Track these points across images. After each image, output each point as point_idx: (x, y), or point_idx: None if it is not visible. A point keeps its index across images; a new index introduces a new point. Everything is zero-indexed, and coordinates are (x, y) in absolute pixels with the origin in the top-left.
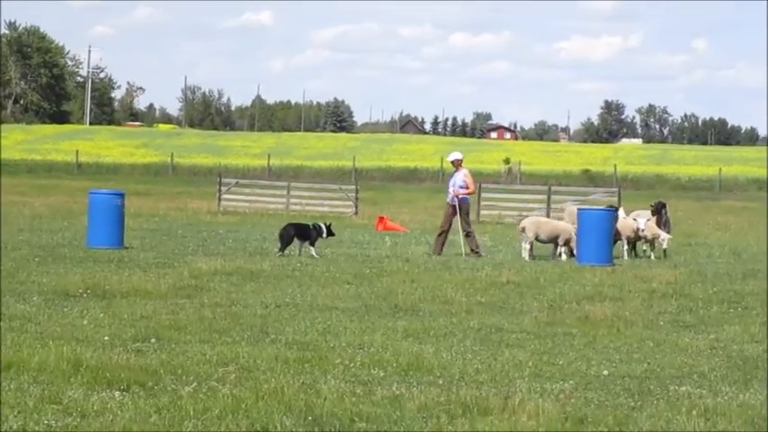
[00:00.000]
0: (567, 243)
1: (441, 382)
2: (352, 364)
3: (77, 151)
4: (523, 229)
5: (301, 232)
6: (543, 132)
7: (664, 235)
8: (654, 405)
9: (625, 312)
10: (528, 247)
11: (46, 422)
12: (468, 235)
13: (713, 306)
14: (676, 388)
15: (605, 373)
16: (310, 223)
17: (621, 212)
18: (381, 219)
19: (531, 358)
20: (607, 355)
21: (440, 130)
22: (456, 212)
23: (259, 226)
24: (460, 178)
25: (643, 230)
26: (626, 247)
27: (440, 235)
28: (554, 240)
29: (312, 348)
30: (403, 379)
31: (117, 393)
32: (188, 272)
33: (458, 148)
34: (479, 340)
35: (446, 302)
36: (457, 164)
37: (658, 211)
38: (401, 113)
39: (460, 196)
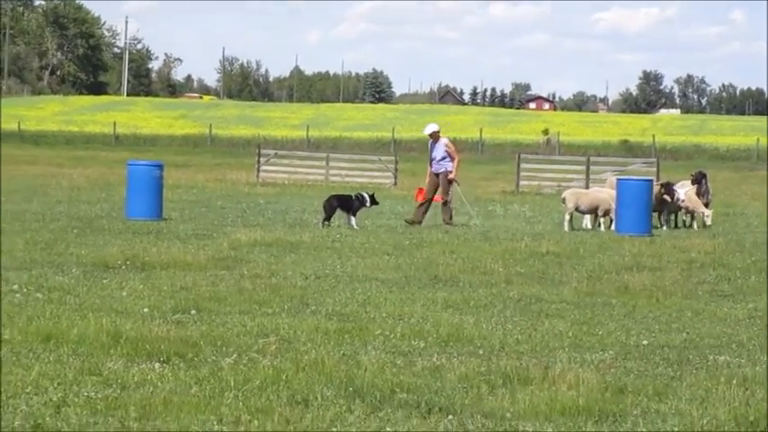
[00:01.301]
0: (606, 214)
1: (481, 352)
2: (392, 335)
3: (115, 123)
4: (564, 200)
5: (344, 203)
6: (582, 103)
7: (707, 211)
8: (693, 375)
9: (664, 282)
10: (568, 217)
11: (86, 394)
12: (444, 203)
13: (751, 276)
14: (715, 357)
15: (644, 342)
16: (353, 194)
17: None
18: (421, 190)
19: (570, 328)
20: (646, 325)
21: (479, 100)
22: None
23: (298, 197)
24: (441, 149)
25: (683, 201)
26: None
27: (421, 205)
28: (594, 211)
29: (352, 319)
30: (443, 349)
31: (157, 365)
32: (227, 243)
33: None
34: (519, 311)
35: (485, 273)
36: (435, 136)
37: (698, 180)
38: (440, 84)
39: (448, 170)
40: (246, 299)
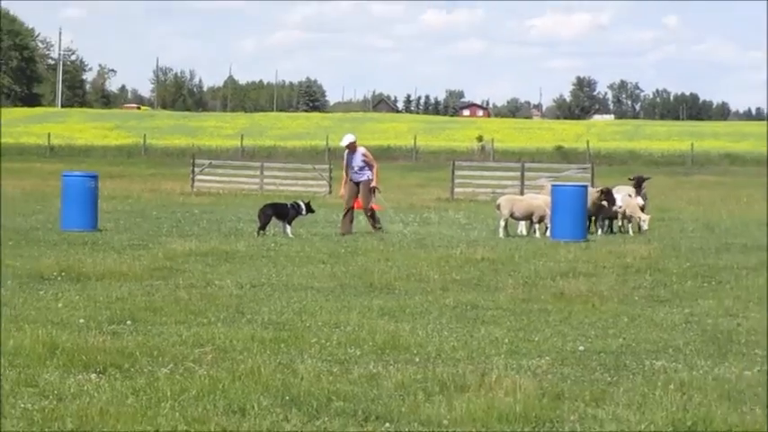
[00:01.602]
0: (541, 220)
1: (417, 359)
2: (328, 344)
3: (50, 134)
4: (498, 207)
5: (280, 212)
6: (516, 109)
7: (644, 216)
8: (630, 380)
9: (600, 288)
10: (503, 224)
11: (22, 405)
12: (371, 212)
13: (687, 280)
14: (652, 362)
15: (581, 348)
16: (288, 203)
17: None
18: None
19: (506, 335)
20: (582, 331)
21: (413, 108)
22: (358, 190)
23: (233, 206)
24: (359, 158)
25: (620, 207)
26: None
27: (345, 215)
28: (529, 217)
29: (288, 328)
30: (380, 357)
31: (93, 376)
32: (162, 253)
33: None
34: (455, 318)
35: (421, 280)
36: (352, 146)
37: (639, 184)
38: (374, 92)
39: (369, 178)
40: (182, 309)
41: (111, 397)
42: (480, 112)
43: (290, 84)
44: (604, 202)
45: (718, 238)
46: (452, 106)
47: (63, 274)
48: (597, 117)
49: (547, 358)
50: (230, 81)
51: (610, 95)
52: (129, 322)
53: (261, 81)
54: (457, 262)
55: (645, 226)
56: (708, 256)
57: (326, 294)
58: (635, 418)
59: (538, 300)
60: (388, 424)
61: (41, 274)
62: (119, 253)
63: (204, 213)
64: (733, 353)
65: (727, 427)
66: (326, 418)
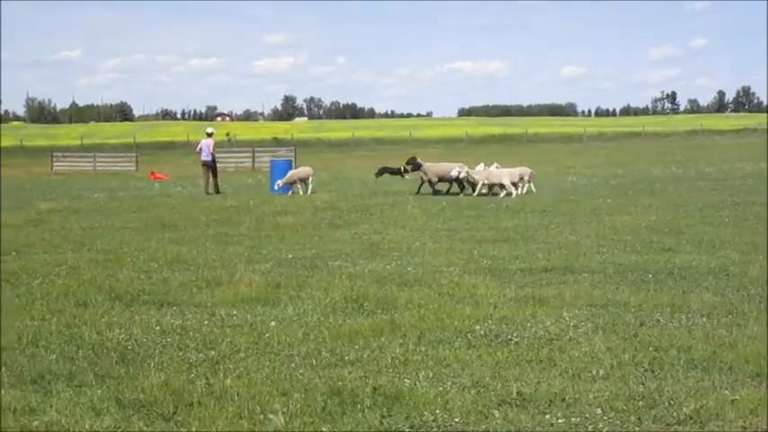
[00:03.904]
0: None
1: (192, 268)
2: (137, 261)
3: None
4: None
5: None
6: (249, 115)
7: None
8: (320, 274)
9: (301, 220)
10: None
11: None
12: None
13: (353, 214)
14: (332, 263)
15: (290, 256)
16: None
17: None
18: (152, 172)
19: (246, 251)
20: (291, 246)
21: (186, 117)
22: (209, 167)
23: (77, 181)
24: (209, 144)
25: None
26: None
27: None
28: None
29: (113, 253)
30: (169, 268)
31: None
32: (34, 211)
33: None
34: (215, 242)
35: (194, 221)
36: (210, 134)
37: (416, 167)
38: (162, 108)
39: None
40: (47, 244)
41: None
42: (228, 118)
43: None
44: (409, 167)
45: (369, 187)
46: (210, 115)
47: None
48: (298, 119)
49: (270, 263)
50: (73, 104)
51: (305, 106)
52: (14, 254)
53: (92, 104)
54: (215, 208)
55: (502, 193)
56: (365, 199)
57: (136, 231)
58: (323, 296)
59: (264, 229)
60: (174, 307)
61: None
62: (7, 211)
63: (59, 186)
64: (380, 255)
65: (377, 299)
66: (137, 306)
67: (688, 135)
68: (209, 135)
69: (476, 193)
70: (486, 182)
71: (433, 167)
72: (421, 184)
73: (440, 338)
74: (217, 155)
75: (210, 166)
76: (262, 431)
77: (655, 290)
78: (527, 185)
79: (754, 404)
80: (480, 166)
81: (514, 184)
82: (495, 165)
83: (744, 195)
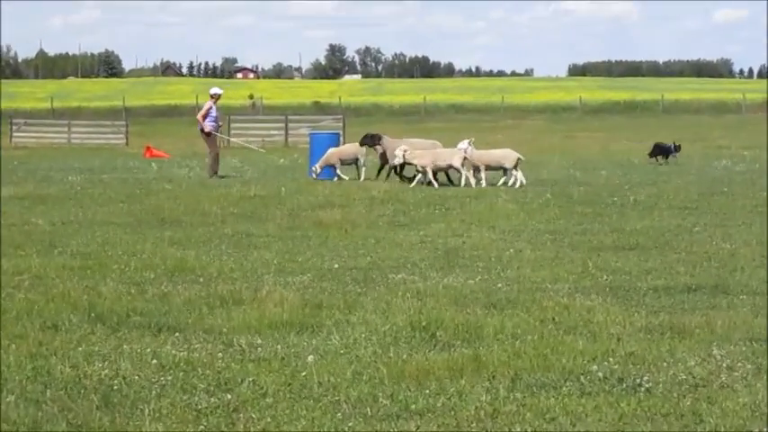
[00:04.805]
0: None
1: (201, 280)
2: (127, 269)
3: None
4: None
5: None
6: (280, 72)
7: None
8: (376, 290)
9: (351, 216)
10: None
11: None
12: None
13: (422, 209)
14: (394, 276)
15: (336, 266)
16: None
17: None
18: (148, 148)
19: (275, 257)
20: (337, 252)
21: (195, 73)
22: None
23: (45, 158)
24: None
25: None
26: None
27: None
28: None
29: (93, 257)
30: (170, 279)
31: None
32: None
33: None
34: (233, 244)
35: (204, 215)
36: (214, 96)
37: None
38: (162, 60)
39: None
40: (3, 243)
41: None
42: (251, 75)
43: (92, 54)
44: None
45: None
46: (228, 70)
47: None
48: (347, 77)
49: (308, 275)
50: (41, 53)
51: (357, 59)
52: None
53: (67, 53)
54: (234, 198)
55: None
56: (438, 189)
57: (125, 228)
58: (380, 320)
59: (300, 228)
60: (177, 333)
61: None
62: None
63: (21, 164)
64: (459, 266)
65: (455, 325)
66: (126, 330)
67: None
68: (214, 98)
69: (463, 183)
70: (431, 167)
71: (395, 143)
72: (381, 167)
73: (542, 382)
74: (236, 125)
75: (210, 138)
76: None
77: None
78: (514, 176)
79: None
80: (463, 144)
81: (474, 170)
82: (468, 142)
83: None
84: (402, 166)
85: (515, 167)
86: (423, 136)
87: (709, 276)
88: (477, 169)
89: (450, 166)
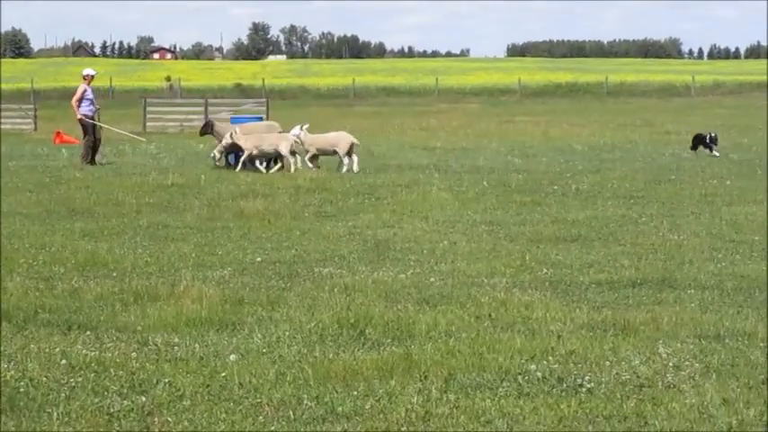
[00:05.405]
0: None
1: (114, 274)
2: (35, 263)
3: None
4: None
5: None
6: (200, 52)
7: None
8: (301, 285)
9: (275, 206)
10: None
11: None
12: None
13: (350, 198)
14: (320, 270)
15: (258, 259)
16: None
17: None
18: (58, 133)
19: (193, 250)
20: (260, 245)
21: (108, 53)
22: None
23: None
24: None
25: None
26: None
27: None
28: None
29: None
30: (81, 274)
31: None
32: None
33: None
34: (148, 236)
35: (118, 205)
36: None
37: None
38: (73, 40)
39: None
40: None
41: None
42: (169, 55)
43: None
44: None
45: (376, 160)
46: (143, 50)
47: None
48: (271, 57)
49: (229, 269)
50: None
51: (282, 38)
52: None
53: None
54: (149, 187)
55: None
56: (368, 177)
57: (33, 220)
58: (306, 317)
59: (221, 218)
60: (88, 332)
61: None
62: None
63: None
64: (390, 259)
65: (385, 322)
66: (33, 329)
67: None
68: (87, 79)
69: (293, 169)
70: (255, 150)
71: (227, 128)
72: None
73: (477, 382)
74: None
75: (84, 124)
76: None
77: None
78: (348, 161)
79: None
80: (296, 130)
81: (312, 157)
82: (300, 127)
83: None
84: (315, 155)
85: (350, 153)
86: (351, 120)
87: (656, 270)
88: (315, 156)
89: (276, 151)
